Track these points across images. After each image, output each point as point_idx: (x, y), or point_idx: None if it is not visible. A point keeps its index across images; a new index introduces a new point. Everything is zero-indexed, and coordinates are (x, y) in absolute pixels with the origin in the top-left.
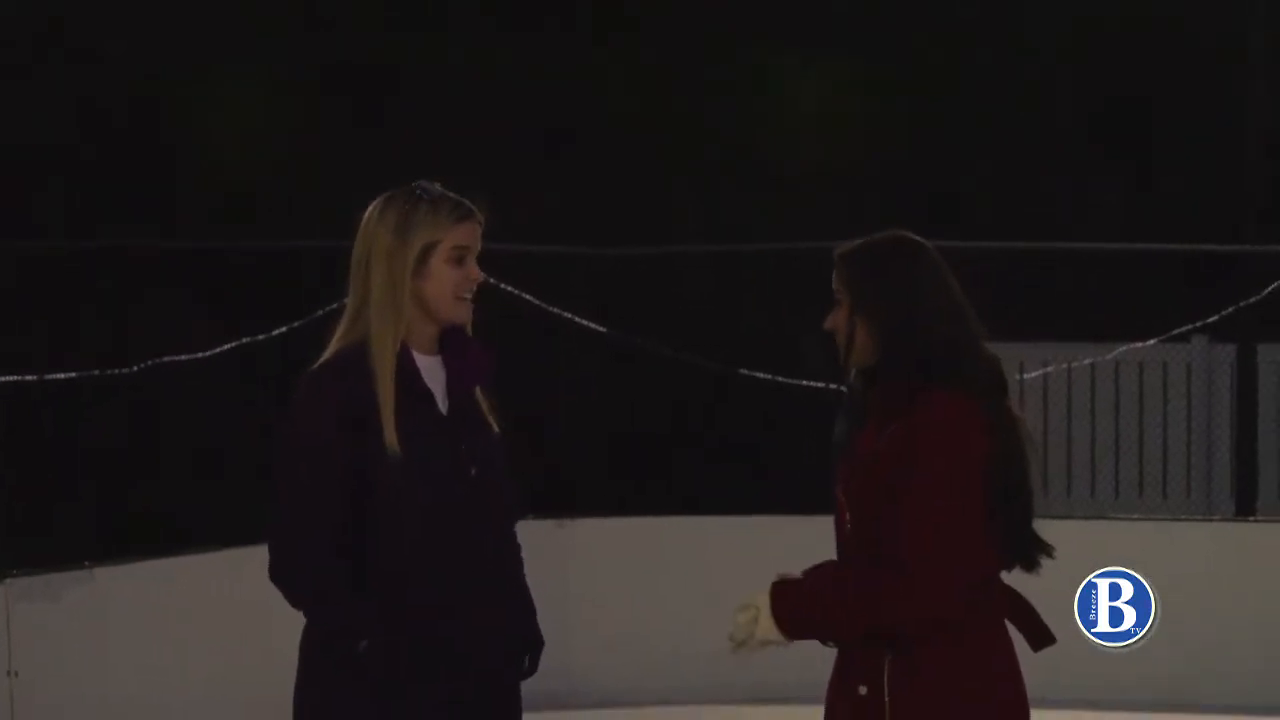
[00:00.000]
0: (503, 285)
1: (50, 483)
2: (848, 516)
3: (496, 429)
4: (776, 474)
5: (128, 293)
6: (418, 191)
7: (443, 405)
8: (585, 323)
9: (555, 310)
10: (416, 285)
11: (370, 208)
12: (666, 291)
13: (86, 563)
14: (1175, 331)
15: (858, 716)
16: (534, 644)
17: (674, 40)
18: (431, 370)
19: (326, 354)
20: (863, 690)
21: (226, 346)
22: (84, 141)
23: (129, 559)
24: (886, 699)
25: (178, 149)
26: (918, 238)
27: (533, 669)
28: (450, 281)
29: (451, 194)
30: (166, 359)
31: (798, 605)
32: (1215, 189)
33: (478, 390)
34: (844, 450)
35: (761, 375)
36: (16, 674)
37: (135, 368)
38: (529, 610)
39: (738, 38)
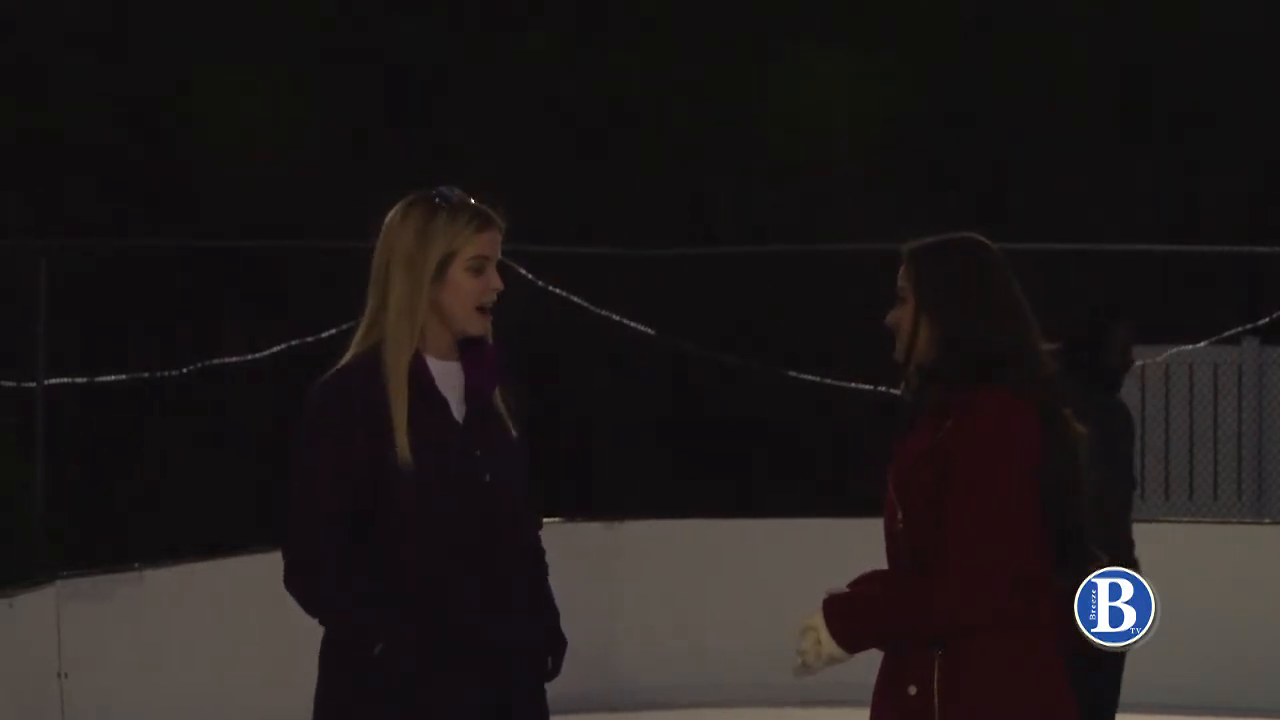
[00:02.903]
0: (550, 287)
1: (100, 485)
2: (899, 515)
3: (515, 433)
4: (823, 476)
5: (177, 294)
6: (437, 198)
7: (458, 411)
8: (633, 324)
9: (603, 312)
10: (434, 294)
11: (391, 213)
12: (713, 292)
13: (136, 564)
14: (1226, 333)
15: (906, 716)
16: (556, 646)
17: (711, 41)
18: (448, 376)
19: (344, 359)
20: (912, 690)
21: (276, 348)
22: (120, 141)
23: (178, 560)
24: (935, 699)
25: (213, 149)
26: (986, 240)
27: (555, 671)
28: (469, 291)
29: (472, 201)
30: (216, 361)
31: (852, 619)
32: (1265, 190)
33: (498, 395)
34: (897, 448)
35: (808, 377)
36: (67, 675)
37: (185, 370)
38: (550, 614)
39: (779, 38)
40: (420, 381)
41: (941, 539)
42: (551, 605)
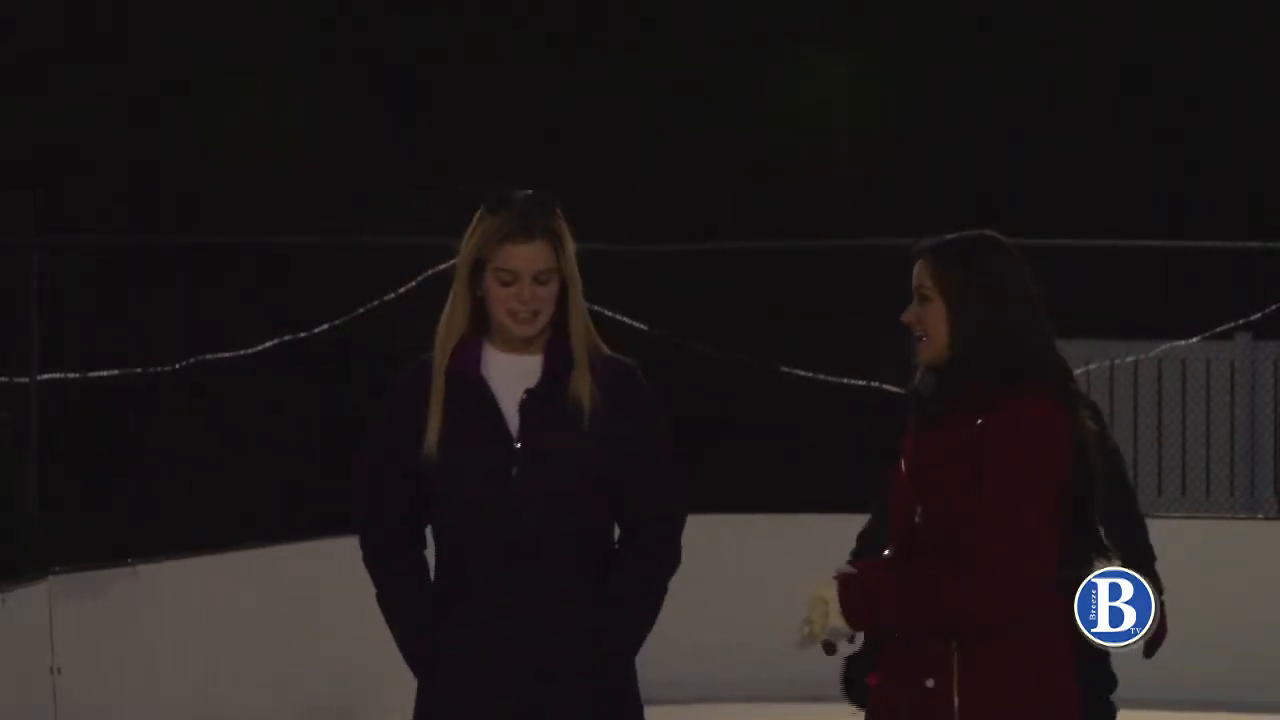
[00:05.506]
0: None
1: (93, 480)
2: (918, 509)
3: (588, 426)
4: (820, 471)
5: (168, 289)
6: (487, 204)
7: (514, 405)
8: (625, 319)
9: (595, 308)
10: (478, 297)
11: None
12: (706, 288)
13: (129, 559)
14: (1218, 329)
15: (923, 709)
16: (606, 654)
17: (712, 38)
18: (512, 370)
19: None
20: (930, 683)
21: (269, 344)
22: (120, 141)
23: (171, 556)
24: (956, 691)
25: (211, 144)
26: (1002, 237)
27: (602, 677)
28: (496, 299)
29: (516, 208)
30: (209, 356)
31: (866, 597)
32: (1259, 184)
33: (582, 387)
34: (912, 443)
35: (802, 372)
36: (59, 670)
37: (178, 365)
38: (609, 619)
39: (777, 35)
40: (465, 375)
41: (969, 537)
42: (614, 609)
